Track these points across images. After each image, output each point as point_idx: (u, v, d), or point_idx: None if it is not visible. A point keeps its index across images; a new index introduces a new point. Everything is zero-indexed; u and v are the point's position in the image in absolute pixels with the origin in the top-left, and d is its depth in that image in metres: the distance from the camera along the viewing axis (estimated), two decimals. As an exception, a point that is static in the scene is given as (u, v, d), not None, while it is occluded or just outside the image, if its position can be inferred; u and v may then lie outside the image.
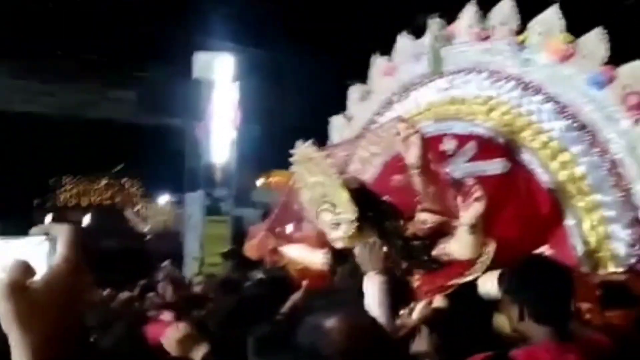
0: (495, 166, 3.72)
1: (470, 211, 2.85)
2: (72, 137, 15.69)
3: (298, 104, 12.33)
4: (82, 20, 11.86)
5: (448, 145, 3.96)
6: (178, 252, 12.12)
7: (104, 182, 26.74)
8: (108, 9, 11.73)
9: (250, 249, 4.33)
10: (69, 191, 26.23)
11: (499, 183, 3.63)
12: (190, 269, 11.20)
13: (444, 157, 3.88)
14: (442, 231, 3.17)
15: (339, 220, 3.32)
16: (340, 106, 5.49)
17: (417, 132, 3.26)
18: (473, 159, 3.84)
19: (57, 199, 26.11)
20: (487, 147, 3.81)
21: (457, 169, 3.80)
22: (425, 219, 3.20)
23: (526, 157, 3.66)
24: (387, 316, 2.61)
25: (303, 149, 3.45)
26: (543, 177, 3.58)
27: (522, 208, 3.57)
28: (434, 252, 3.16)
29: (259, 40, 12.15)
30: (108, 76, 12.84)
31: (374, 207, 3.36)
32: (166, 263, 6.92)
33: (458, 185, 3.18)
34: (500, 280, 2.43)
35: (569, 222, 3.52)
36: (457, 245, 3.04)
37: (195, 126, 12.72)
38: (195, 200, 12.75)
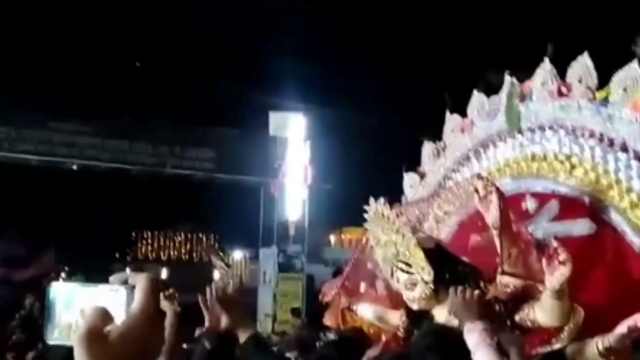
0: (580, 227, 3.55)
1: (555, 275, 2.71)
2: (152, 193, 16.31)
3: (370, 162, 12.39)
4: (165, 83, 12.52)
5: (529, 204, 3.83)
6: (252, 307, 12.17)
7: (181, 237, 27.47)
8: (188, 71, 12.34)
9: (329, 317, 4.27)
10: (149, 244, 27.11)
11: (585, 245, 3.46)
12: (263, 325, 11.20)
13: (526, 216, 3.75)
14: (526, 295, 3.02)
15: (414, 280, 3.24)
16: (413, 163, 5.46)
17: (496, 189, 3.16)
18: (556, 218, 3.68)
19: (137, 252, 26.98)
20: (570, 207, 3.65)
21: (540, 228, 3.65)
22: (507, 282, 3.06)
23: (614, 217, 3.47)
24: None
25: (376, 207, 3.42)
26: (634, 238, 3.37)
27: (612, 272, 3.37)
28: (517, 318, 3.01)
29: (331, 100, 12.42)
30: (187, 135, 13.40)
31: (451, 268, 3.26)
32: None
33: (542, 246, 3.03)
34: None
35: (664, 287, 3.28)
36: (542, 312, 2.88)
37: (270, 183, 12.98)
38: (268, 256, 12.88)
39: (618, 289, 3.28)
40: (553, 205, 3.75)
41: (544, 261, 2.79)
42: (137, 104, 13.29)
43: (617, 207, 3.48)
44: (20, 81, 14.15)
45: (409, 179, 5.41)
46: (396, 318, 3.60)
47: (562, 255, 2.69)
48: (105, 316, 0.86)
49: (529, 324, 2.98)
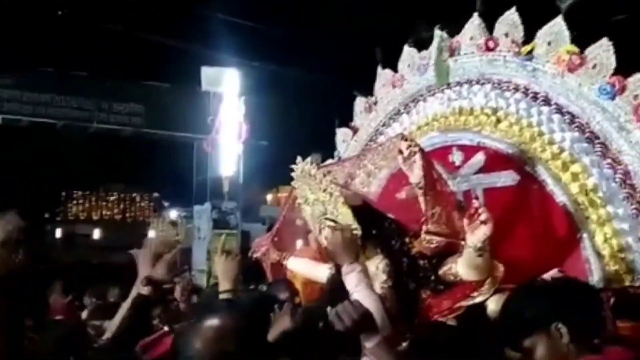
0: (504, 178, 3.64)
1: (476, 234, 2.76)
2: (81, 150, 15.70)
3: (306, 118, 12.32)
4: (92, 33, 11.94)
5: (456, 156, 3.89)
6: (186, 265, 12.05)
7: (114, 196, 26.80)
8: (118, 23, 11.79)
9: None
10: (80, 204, 26.31)
11: (509, 195, 3.56)
12: (197, 281, 11.14)
13: (452, 168, 3.81)
14: (449, 251, 3.07)
15: None
16: (347, 118, 5.46)
17: (419, 150, 3.16)
18: (482, 170, 3.76)
19: (67, 213, 26.14)
20: (495, 159, 3.73)
21: (466, 180, 3.72)
22: (431, 239, 3.11)
23: (537, 168, 3.57)
24: (377, 301, 2.47)
25: (302, 166, 3.39)
26: (554, 188, 3.49)
27: (533, 221, 3.48)
28: (441, 272, 3.07)
29: (265, 55, 12.19)
30: (115, 88, 12.85)
31: (377, 225, 3.27)
32: (185, 274, 6.91)
33: (463, 206, 3.08)
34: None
35: (582, 235, 3.42)
36: (464, 267, 2.94)
37: (203, 140, 12.74)
38: (202, 213, 12.73)
39: (539, 236, 3.41)
40: (479, 158, 3.82)
41: (465, 220, 2.85)
42: (61, 55, 12.63)
43: (540, 159, 3.59)
44: None
45: (341, 134, 5.41)
46: (324, 271, 3.62)
47: (484, 215, 2.75)
48: None
49: (451, 277, 3.05)
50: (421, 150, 3.17)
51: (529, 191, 3.58)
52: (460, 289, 3.02)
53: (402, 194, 3.40)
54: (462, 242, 2.93)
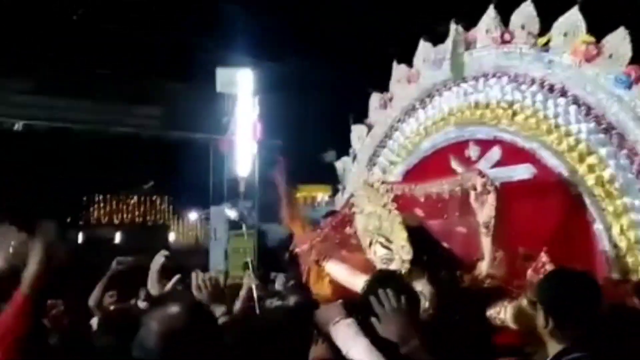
0: (521, 171, 3.63)
1: None
2: (98, 153, 15.79)
3: (319, 115, 12.29)
4: (107, 36, 12.02)
5: (472, 151, 3.88)
6: (205, 265, 12.10)
7: (134, 199, 27.02)
8: (132, 26, 11.87)
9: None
10: (101, 208, 26.55)
11: (525, 188, 3.54)
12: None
13: (469, 163, 3.80)
14: (501, 293, 2.98)
15: (391, 256, 3.22)
16: (361, 115, 5.46)
17: (495, 189, 3.06)
18: (498, 164, 3.75)
19: (89, 217, 26.38)
20: (512, 152, 3.72)
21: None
22: (484, 279, 3.03)
23: (553, 161, 3.55)
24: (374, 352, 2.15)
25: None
26: (569, 180, 3.47)
27: (549, 214, 3.46)
28: (488, 313, 2.99)
29: (279, 55, 12.19)
30: (131, 91, 12.90)
31: (430, 252, 3.18)
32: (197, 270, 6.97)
33: (529, 256, 3.00)
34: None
35: (598, 226, 3.39)
36: (515, 315, 2.84)
37: (219, 140, 12.78)
38: (219, 213, 12.75)
39: (555, 229, 3.38)
40: (495, 152, 3.81)
41: (530, 272, 2.82)
42: (77, 59, 12.70)
43: (556, 151, 3.56)
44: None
45: (356, 131, 5.41)
46: (361, 282, 3.54)
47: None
48: None
49: (497, 322, 2.98)
50: (496, 190, 3.07)
51: (545, 184, 3.56)
52: (509, 336, 2.93)
53: (460, 227, 3.22)
54: (518, 291, 2.86)
